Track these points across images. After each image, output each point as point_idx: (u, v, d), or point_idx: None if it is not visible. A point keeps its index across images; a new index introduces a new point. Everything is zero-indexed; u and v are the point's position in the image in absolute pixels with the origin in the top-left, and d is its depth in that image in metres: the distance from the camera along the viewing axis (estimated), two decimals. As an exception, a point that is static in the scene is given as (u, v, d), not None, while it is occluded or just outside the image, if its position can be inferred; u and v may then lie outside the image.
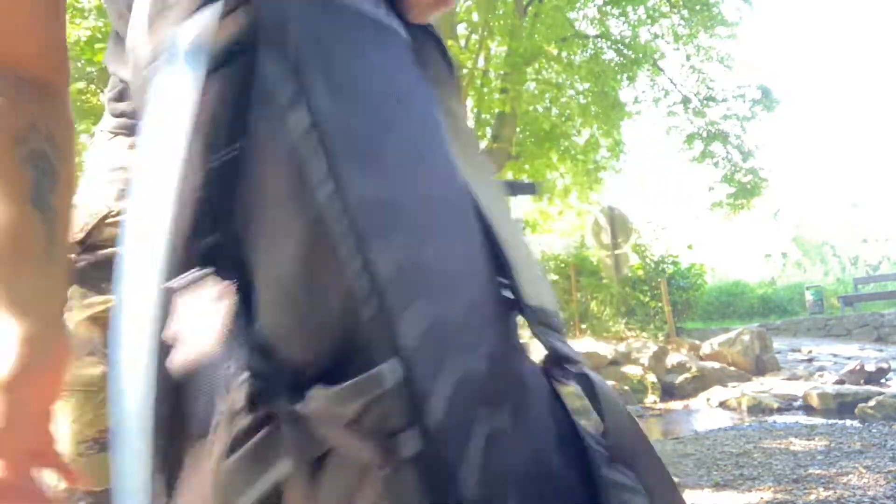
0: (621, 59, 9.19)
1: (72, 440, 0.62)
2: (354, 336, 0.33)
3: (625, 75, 9.30)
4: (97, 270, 0.63)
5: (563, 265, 11.50)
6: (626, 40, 9.42)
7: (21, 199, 0.51)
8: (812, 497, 3.39)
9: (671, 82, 10.80)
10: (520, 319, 0.44)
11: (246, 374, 0.33)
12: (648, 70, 10.13)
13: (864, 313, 11.98)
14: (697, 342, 9.16)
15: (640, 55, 9.13)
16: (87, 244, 0.65)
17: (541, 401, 0.41)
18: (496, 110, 8.04)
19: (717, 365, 8.23)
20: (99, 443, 0.62)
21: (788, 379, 7.69)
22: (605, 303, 10.68)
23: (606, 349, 8.15)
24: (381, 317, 0.32)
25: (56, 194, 0.53)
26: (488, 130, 8.35)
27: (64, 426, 0.62)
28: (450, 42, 6.68)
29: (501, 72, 7.93)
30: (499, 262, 0.43)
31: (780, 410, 6.39)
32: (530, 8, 8.24)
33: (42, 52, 0.56)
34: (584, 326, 10.07)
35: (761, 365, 8.34)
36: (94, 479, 0.60)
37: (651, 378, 7.80)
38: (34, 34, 0.56)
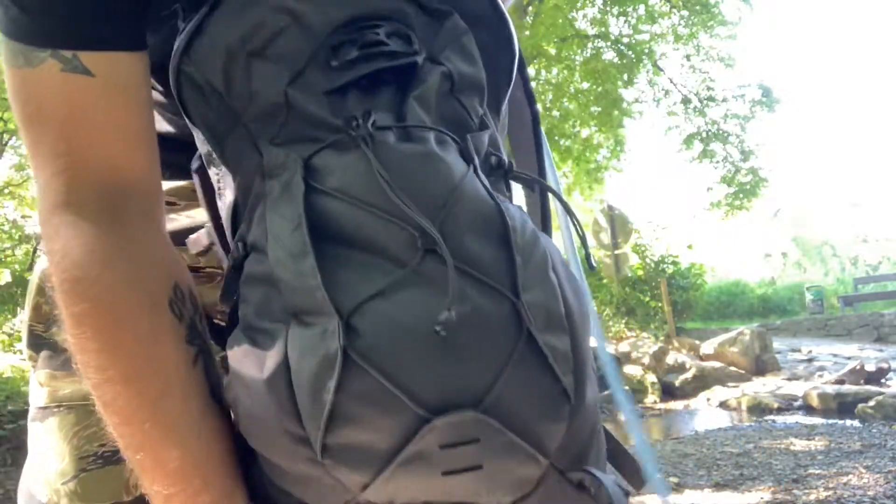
0: (622, 60, 9.18)
1: (73, 455, 0.60)
2: None
3: (625, 75, 9.29)
4: None
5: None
6: (626, 40, 9.42)
7: (203, 401, 0.47)
8: (812, 497, 3.39)
9: (671, 82, 10.80)
10: None
11: None
12: (648, 70, 10.12)
13: (864, 313, 11.96)
14: (697, 342, 9.15)
15: (640, 55, 9.13)
16: None
17: None
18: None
19: (717, 365, 8.22)
20: (102, 457, 0.60)
21: (788, 379, 7.69)
22: (605, 303, 10.67)
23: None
24: None
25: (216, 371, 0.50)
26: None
27: (62, 441, 0.61)
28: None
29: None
30: None
31: (780, 410, 6.38)
32: (531, 8, 8.24)
33: (149, 170, 0.52)
34: (584, 326, 10.04)
35: (761, 365, 8.34)
36: (98, 494, 0.59)
37: (651, 378, 7.80)
38: (139, 146, 0.51)
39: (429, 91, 0.44)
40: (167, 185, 0.64)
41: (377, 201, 0.40)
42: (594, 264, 0.54)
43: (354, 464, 0.38)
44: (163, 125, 0.64)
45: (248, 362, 0.42)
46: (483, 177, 0.43)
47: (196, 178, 0.53)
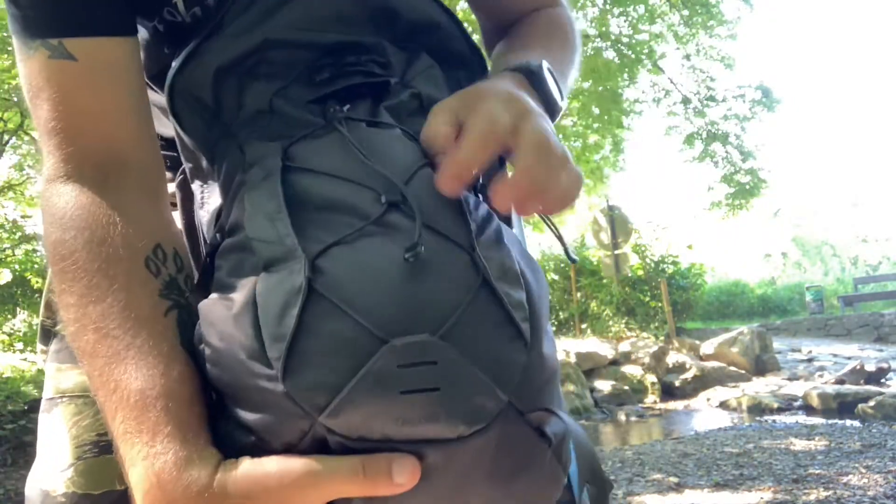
0: (621, 59, 9.18)
1: (72, 444, 0.62)
2: None
3: (625, 75, 9.29)
4: None
5: (563, 265, 11.50)
6: (626, 39, 9.42)
7: (170, 343, 0.48)
8: (812, 497, 3.39)
9: (671, 82, 10.81)
10: None
11: None
12: (649, 69, 10.12)
13: (864, 313, 11.98)
14: (697, 342, 9.16)
15: (640, 54, 9.13)
16: None
17: None
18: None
19: (717, 365, 8.23)
20: (98, 446, 0.62)
21: (788, 379, 7.69)
22: (605, 303, 10.68)
23: (606, 349, 8.15)
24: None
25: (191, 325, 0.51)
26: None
27: (64, 430, 0.63)
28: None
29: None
30: None
31: (780, 410, 6.39)
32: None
33: (142, 143, 0.56)
34: (584, 326, 10.08)
35: (761, 365, 8.35)
36: (93, 482, 0.60)
37: (651, 378, 7.80)
38: (128, 121, 0.56)
39: (399, 105, 0.51)
40: (171, 186, 0.67)
41: (348, 172, 0.45)
42: (574, 257, 0.57)
43: (314, 385, 0.39)
44: (168, 129, 0.67)
45: (216, 307, 0.44)
46: None
47: (176, 191, 0.59)
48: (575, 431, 0.46)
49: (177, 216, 0.67)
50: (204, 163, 0.52)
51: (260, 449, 0.43)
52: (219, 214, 0.51)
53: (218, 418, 0.47)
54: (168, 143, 0.59)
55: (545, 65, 0.59)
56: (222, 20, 0.52)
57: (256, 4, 0.52)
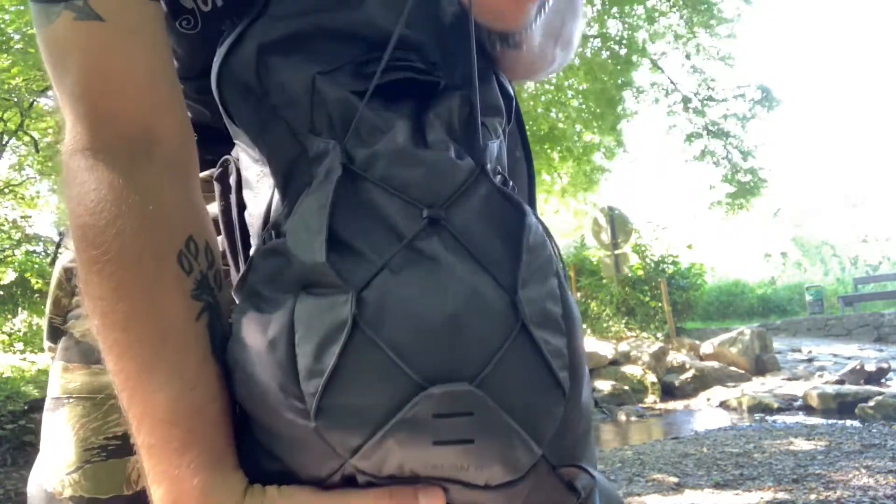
0: (614, 60, 9.16)
1: (79, 446, 0.61)
2: None
3: (619, 79, 9.28)
4: None
5: (562, 265, 11.48)
6: (622, 40, 9.40)
7: (201, 355, 0.47)
8: (812, 497, 3.39)
9: (671, 82, 10.80)
10: None
11: None
12: (648, 69, 10.12)
13: (864, 313, 11.97)
14: (697, 342, 9.15)
15: (634, 52, 9.12)
16: None
17: None
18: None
19: (717, 365, 8.23)
20: (106, 450, 0.61)
21: (788, 379, 7.69)
22: (605, 303, 10.67)
23: (606, 349, 8.14)
24: None
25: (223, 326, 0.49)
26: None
27: (69, 431, 0.62)
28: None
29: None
30: None
31: (780, 410, 6.39)
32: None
33: (173, 113, 0.53)
34: (584, 326, 10.06)
35: (761, 365, 8.34)
36: (100, 486, 0.60)
37: (651, 378, 7.80)
38: (159, 88, 0.52)
39: (450, 111, 0.47)
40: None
41: (397, 182, 0.42)
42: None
43: (347, 426, 0.38)
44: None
45: (250, 326, 0.42)
46: (493, 178, 0.45)
47: (216, 186, 0.55)
48: (603, 486, 0.45)
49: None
50: (255, 152, 0.49)
51: (286, 475, 0.43)
52: (268, 209, 0.48)
53: (243, 436, 0.46)
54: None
55: None
56: (266, 5, 0.49)
57: None
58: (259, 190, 0.50)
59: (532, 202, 0.57)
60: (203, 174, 0.67)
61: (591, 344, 8.34)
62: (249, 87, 0.48)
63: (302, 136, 0.45)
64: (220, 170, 0.56)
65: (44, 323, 0.72)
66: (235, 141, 0.52)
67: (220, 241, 0.56)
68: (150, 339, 0.45)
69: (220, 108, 0.50)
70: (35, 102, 7.04)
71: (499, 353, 0.39)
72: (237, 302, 0.48)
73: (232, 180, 0.54)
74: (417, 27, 0.50)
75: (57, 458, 0.62)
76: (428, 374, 0.38)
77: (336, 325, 0.38)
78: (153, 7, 0.52)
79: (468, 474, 0.39)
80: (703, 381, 7.85)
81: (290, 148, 0.46)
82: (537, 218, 0.47)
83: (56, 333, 0.70)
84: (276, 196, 0.47)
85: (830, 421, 5.59)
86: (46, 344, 0.71)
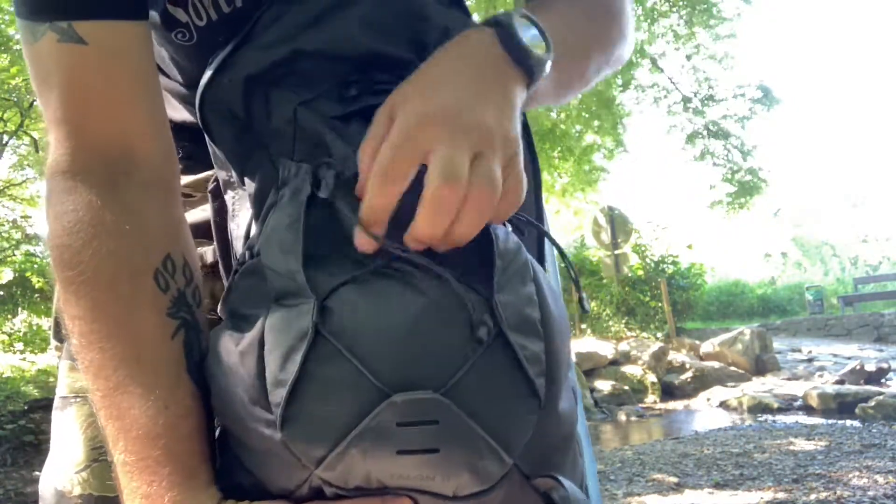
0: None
1: (87, 445, 0.62)
2: None
3: (618, 79, 9.28)
4: None
5: (561, 265, 11.48)
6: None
7: (175, 373, 0.47)
8: (812, 497, 3.39)
9: (671, 82, 10.80)
10: None
11: None
12: (648, 69, 10.11)
13: (864, 313, 11.97)
14: (697, 342, 9.15)
15: (636, 55, 9.12)
16: None
17: None
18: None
19: (717, 365, 8.23)
20: None
21: (788, 379, 7.69)
22: (605, 303, 10.67)
23: (606, 349, 8.14)
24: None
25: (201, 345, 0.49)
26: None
27: (77, 430, 0.63)
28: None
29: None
30: None
31: (780, 410, 6.39)
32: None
33: (154, 135, 0.53)
34: (584, 326, 10.07)
35: (761, 365, 8.34)
36: (109, 485, 0.60)
37: (651, 378, 7.80)
38: (140, 111, 0.52)
39: None
40: (185, 178, 0.66)
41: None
42: (587, 307, 0.52)
43: (310, 436, 0.38)
44: (182, 113, 0.66)
45: (225, 341, 0.43)
46: None
47: (209, 199, 0.57)
48: (577, 499, 0.43)
49: (190, 214, 0.66)
50: (234, 175, 0.51)
51: (258, 489, 0.43)
52: (248, 231, 0.50)
53: (222, 448, 0.47)
54: (177, 128, 0.57)
55: (519, 13, 0.49)
56: (251, 32, 0.50)
57: (287, 17, 0.50)
58: (236, 212, 0.52)
59: (538, 206, 0.57)
60: (203, 175, 0.67)
61: (591, 344, 8.34)
62: (234, 115, 0.50)
63: (279, 163, 0.47)
64: (214, 184, 0.57)
65: (50, 322, 0.73)
66: (214, 162, 0.54)
67: (212, 249, 0.57)
68: (124, 358, 0.46)
69: (202, 128, 0.51)
70: (35, 102, 7.04)
71: (469, 360, 0.39)
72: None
73: (226, 198, 0.55)
74: (400, 45, 0.50)
75: (66, 457, 0.62)
76: (393, 382, 0.37)
77: (299, 334, 0.38)
78: (138, 29, 0.52)
79: (435, 484, 0.39)
80: (703, 381, 7.85)
81: (269, 174, 0.47)
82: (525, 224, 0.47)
83: (61, 332, 0.69)
84: (254, 219, 0.48)
85: (830, 421, 5.59)
86: (52, 343, 0.71)
